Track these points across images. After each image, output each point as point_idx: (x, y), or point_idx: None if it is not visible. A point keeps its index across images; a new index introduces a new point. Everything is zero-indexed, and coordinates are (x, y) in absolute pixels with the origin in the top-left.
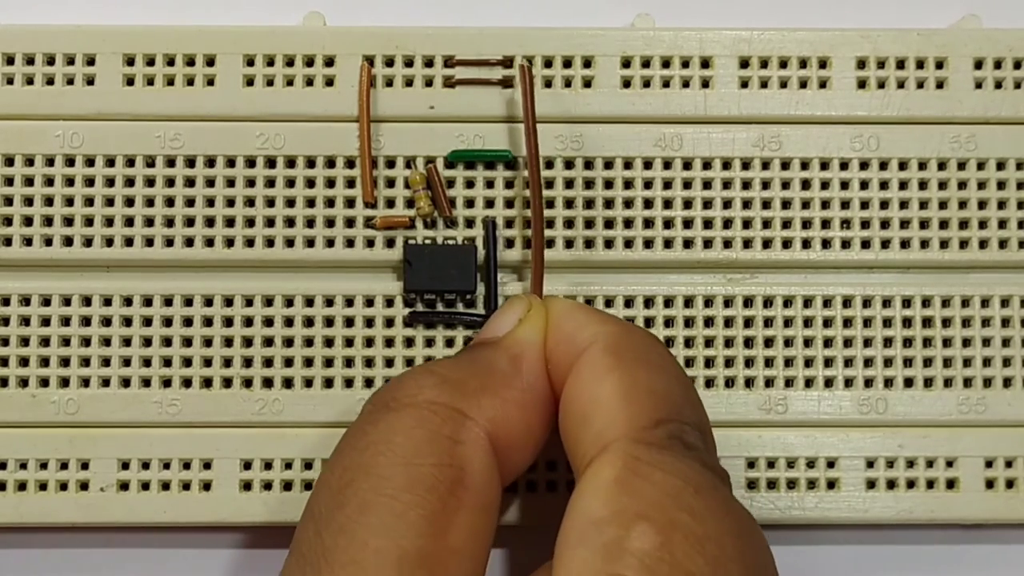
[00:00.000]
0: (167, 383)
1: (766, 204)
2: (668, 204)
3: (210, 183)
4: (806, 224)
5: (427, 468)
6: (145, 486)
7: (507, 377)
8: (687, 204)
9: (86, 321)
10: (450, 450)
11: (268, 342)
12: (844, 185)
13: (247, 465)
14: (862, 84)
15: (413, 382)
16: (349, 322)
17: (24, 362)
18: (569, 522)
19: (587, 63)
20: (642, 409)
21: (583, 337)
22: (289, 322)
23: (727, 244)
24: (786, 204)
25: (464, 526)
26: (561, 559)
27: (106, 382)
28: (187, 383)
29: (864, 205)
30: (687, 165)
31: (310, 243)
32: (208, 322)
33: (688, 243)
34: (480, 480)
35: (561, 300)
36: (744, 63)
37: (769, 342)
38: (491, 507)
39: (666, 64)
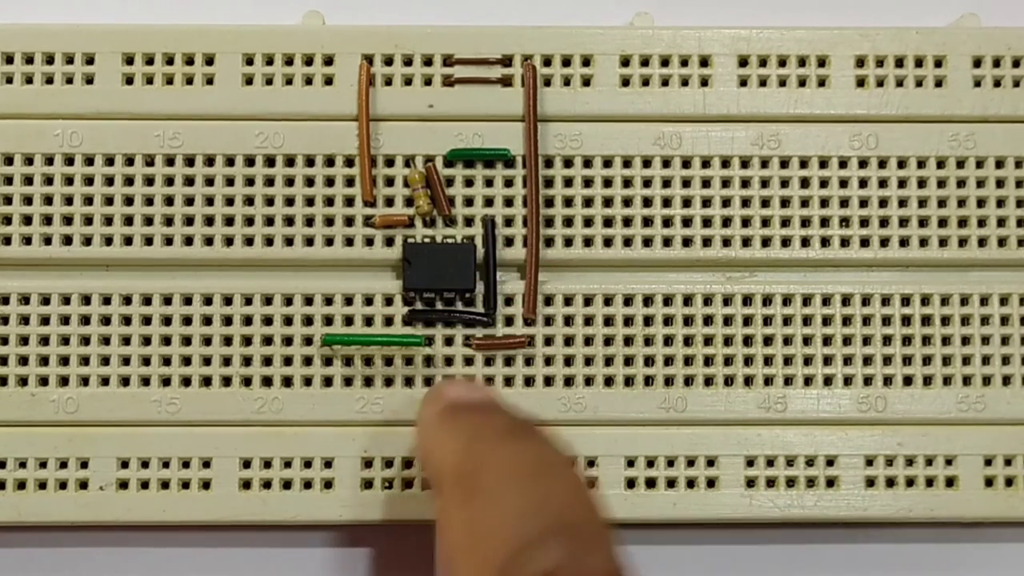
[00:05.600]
0: (166, 382)
1: (765, 202)
2: (667, 203)
3: (209, 182)
4: (805, 222)
5: None
6: (144, 485)
7: None
8: (686, 203)
9: (85, 320)
10: None
11: (267, 341)
12: (843, 183)
13: (246, 464)
14: (861, 82)
15: None
16: (348, 321)
17: (23, 361)
18: None
19: (586, 62)
20: (485, 558)
21: (437, 462)
22: (288, 321)
23: (726, 242)
24: (785, 202)
25: None
26: None
27: (105, 381)
28: (186, 382)
29: (863, 203)
30: (686, 164)
31: (309, 242)
32: (207, 321)
33: (687, 241)
34: None
35: (428, 408)
36: (743, 62)
37: (768, 340)
38: None
39: (665, 63)
